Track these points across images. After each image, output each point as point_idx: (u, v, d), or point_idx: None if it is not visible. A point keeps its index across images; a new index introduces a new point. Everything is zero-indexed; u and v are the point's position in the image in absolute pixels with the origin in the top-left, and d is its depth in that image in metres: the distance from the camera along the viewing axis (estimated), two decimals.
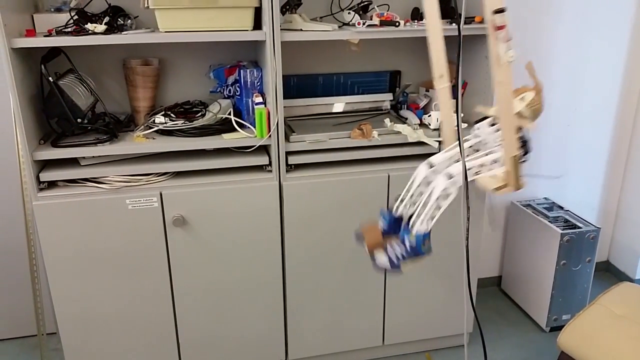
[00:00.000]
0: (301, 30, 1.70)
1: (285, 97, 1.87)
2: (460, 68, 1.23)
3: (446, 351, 2.19)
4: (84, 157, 1.69)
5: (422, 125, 1.94)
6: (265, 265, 1.85)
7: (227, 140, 1.73)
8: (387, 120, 1.91)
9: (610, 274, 2.77)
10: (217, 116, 1.80)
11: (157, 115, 1.79)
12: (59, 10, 1.73)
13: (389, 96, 2.10)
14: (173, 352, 1.88)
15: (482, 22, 1.82)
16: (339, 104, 2.06)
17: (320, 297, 1.94)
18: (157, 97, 1.93)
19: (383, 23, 1.74)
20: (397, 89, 2.14)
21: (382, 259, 1.24)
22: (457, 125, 1.16)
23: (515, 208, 2.45)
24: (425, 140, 1.83)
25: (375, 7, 1.97)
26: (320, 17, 1.97)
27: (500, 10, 1.00)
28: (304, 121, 1.98)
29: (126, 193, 1.66)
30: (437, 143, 1.84)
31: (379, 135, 1.83)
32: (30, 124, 1.61)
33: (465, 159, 1.17)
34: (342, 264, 1.91)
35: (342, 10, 1.91)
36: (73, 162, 1.70)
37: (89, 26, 1.59)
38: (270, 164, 1.78)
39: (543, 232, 2.25)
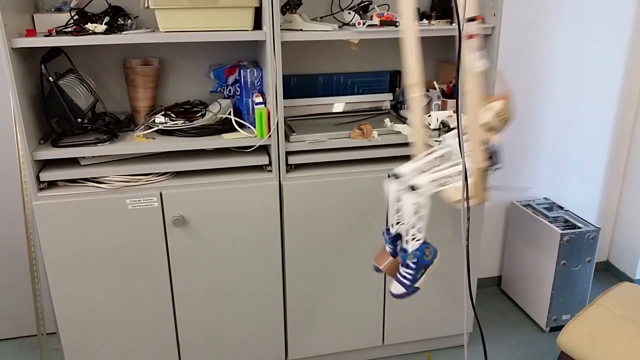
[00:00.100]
0: (301, 30, 1.71)
1: (285, 97, 1.87)
2: (460, 68, 1.22)
3: (446, 351, 2.19)
4: (84, 157, 1.69)
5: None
6: (265, 265, 1.85)
7: (227, 140, 1.73)
8: (387, 120, 1.91)
9: (610, 274, 2.77)
10: (217, 116, 1.80)
11: (157, 115, 1.79)
12: (59, 10, 1.73)
13: (389, 96, 2.10)
14: (173, 352, 1.88)
15: (482, 22, 1.82)
16: (339, 104, 2.06)
17: (320, 297, 1.94)
18: (157, 97, 1.93)
19: (383, 23, 1.74)
20: (397, 89, 2.14)
21: (397, 288, 1.26)
22: (458, 126, 1.16)
23: (515, 208, 2.45)
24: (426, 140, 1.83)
25: (375, 7, 1.97)
26: (321, 17, 1.97)
27: (472, 19, 0.99)
28: (304, 121, 1.98)
29: (126, 193, 1.66)
30: (437, 143, 1.84)
31: (379, 135, 1.83)
32: (30, 123, 1.61)
33: (432, 171, 1.16)
34: (342, 264, 1.91)
35: (342, 10, 1.91)
36: (73, 162, 1.70)
37: (89, 26, 1.59)
38: (270, 164, 1.78)
39: (543, 232, 2.25)
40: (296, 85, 2.04)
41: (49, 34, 1.62)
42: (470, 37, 0.98)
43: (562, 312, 2.29)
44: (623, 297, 1.78)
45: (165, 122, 1.76)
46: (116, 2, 1.79)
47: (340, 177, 1.80)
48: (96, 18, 1.68)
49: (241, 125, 1.80)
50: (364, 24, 1.72)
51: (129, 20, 1.76)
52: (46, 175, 1.63)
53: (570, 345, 1.65)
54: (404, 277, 1.24)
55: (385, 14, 1.76)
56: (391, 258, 1.31)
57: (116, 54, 1.88)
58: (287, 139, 1.78)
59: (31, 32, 1.60)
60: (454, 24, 1.82)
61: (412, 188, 1.12)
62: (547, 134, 2.45)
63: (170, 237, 1.73)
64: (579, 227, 2.21)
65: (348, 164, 1.86)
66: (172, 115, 1.80)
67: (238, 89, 1.86)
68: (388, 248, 1.32)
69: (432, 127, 1.91)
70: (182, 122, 1.76)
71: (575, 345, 1.64)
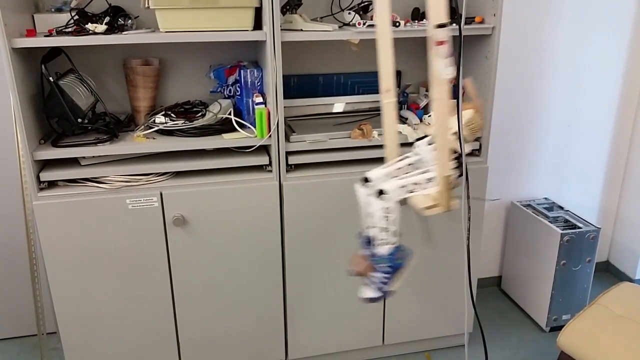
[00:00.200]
0: (301, 30, 1.71)
1: (285, 97, 1.87)
2: (460, 68, 1.22)
3: (446, 351, 2.19)
4: (84, 157, 1.69)
5: (422, 125, 1.94)
6: (266, 265, 1.85)
7: (227, 140, 1.73)
8: None
9: (610, 274, 2.77)
10: (217, 116, 1.80)
11: (158, 115, 1.79)
12: (59, 10, 1.73)
13: None
14: (173, 352, 1.88)
15: (482, 22, 1.82)
16: (339, 104, 2.06)
17: (320, 297, 1.94)
18: (157, 97, 1.93)
19: None
20: (397, 89, 2.14)
21: (368, 292, 1.25)
22: (458, 126, 1.16)
23: (516, 208, 2.45)
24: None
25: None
26: (321, 17, 1.97)
27: (442, 25, 0.97)
28: (304, 121, 1.98)
29: (126, 193, 1.66)
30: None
31: (379, 135, 1.83)
32: (30, 123, 1.61)
33: (401, 177, 1.16)
34: (342, 264, 1.91)
35: (343, 10, 1.91)
36: (73, 162, 1.70)
37: (90, 26, 1.59)
38: (270, 163, 1.78)
39: (543, 232, 2.25)
40: (296, 85, 2.04)
41: (49, 34, 1.62)
42: (439, 43, 0.97)
43: (562, 312, 2.29)
44: (623, 297, 1.78)
45: (166, 122, 1.77)
46: (116, 2, 1.79)
47: (341, 177, 1.80)
48: (96, 18, 1.68)
49: (241, 125, 1.80)
50: (364, 24, 1.72)
51: (129, 21, 1.76)
52: (46, 175, 1.63)
53: (570, 345, 1.66)
54: (376, 281, 1.24)
55: None
56: (366, 262, 1.29)
57: (116, 54, 1.88)
58: (287, 139, 1.78)
59: (31, 32, 1.60)
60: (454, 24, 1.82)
61: (380, 193, 1.12)
62: (547, 134, 2.45)
63: (170, 237, 1.73)
64: (579, 227, 2.22)
65: (348, 164, 1.86)
66: (172, 115, 1.80)
67: (238, 89, 1.86)
68: (363, 252, 1.31)
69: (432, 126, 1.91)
70: (183, 122, 1.76)
71: (575, 345, 1.64)
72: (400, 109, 2.07)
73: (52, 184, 1.67)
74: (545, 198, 2.53)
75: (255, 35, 1.65)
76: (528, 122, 2.40)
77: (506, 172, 2.47)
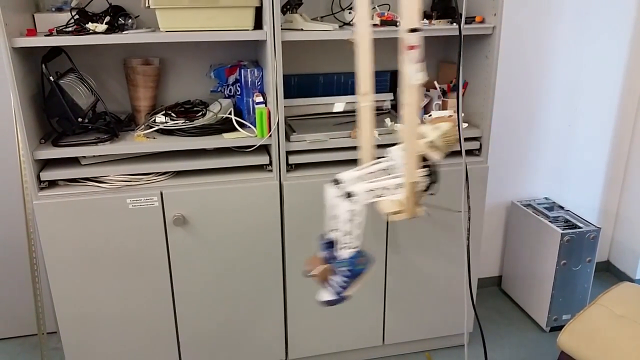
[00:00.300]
0: (302, 30, 1.71)
1: (285, 97, 1.87)
2: (460, 68, 1.22)
3: (446, 351, 2.19)
4: (84, 157, 1.69)
5: (422, 125, 1.94)
6: (266, 265, 1.85)
7: (227, 139, 1.73)
8: (387, 120, 1.91)
9: (610, 274, 2.77)
10: (217, 116, 1.80)
11: (158, 115, 1.79)
12: (59, 9, 1.73)
13: (389, 96, 2.10)
14: (173, 352, 1.89)
15: (482, 22, 1.82)
16: (339, 104, 2.06)
17: None
18: (157, 97, 1.93)
19: (383, 23, 1.74)
20: (398, 88, 2.14)
21: (326, 296, 1.24)
22: (458, 126, 1.16)
23: (516, 208, 2.45)
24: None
25: (376, 7, 1.97)
26: (321, 17, 1.97)
27: (414, 30, 0.96)
28: (305, 121, 1.98)
29: (127, 192, 1.66)
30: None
31: (379, 135, 1.83)
32: (31, 123, 1.61)
33: (371, 181, 1.16)
34: None
35: (343, 10, 1.91)
36: (73, 161, 1.70)
37: (90, 26, 1.59)
38: (270, 163, 1.78)
39: (543, 232, 2.25)
40: (297, 85, 2.04)
41: (50, 34, 1.62)
42: (411, 48, 0.96)
43: (562, 312, 2.29)
44: (623, 297, 1.78)
45: (166, 122, 1.77)
46: (117, 2, 1.79)
47: None
48: (97, 18, 1.68)
49: (242, 125, 1.80)
50: None
51: (130, 20, 1.76)
52: (47, 175, 1.63)
53: (570, 345, 1.66)
54: (334, 285, 1.23)
55: (386, 14, 1.76)
56: (323, 264, 1.29)
57: (117, 54, 1.88)
58: (287, 138, 1.78)
59: (32, 32, 1.60)
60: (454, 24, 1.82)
61: (348, 195, 1.12)
62: (547, 134, 2.45)
63: (170, 236, 1.73)
64: (580, 227, 2.22)
65: (348, 164, 1.86)
66: (172, 114, 1.80)
67: (238, 88, 1.86)
68: (321, 254, 1.31)
69: None
70: (183, 121, 1.76)
71: (575, 345, 1.64)
72: (397, 109, 2.07)
73: (52, 184, 1.67)
74: (546, 198, 2.53)
75: (256, 35, 1.65)
76: (528, 122, 2.40)
77: (506, 172, 2.47)
